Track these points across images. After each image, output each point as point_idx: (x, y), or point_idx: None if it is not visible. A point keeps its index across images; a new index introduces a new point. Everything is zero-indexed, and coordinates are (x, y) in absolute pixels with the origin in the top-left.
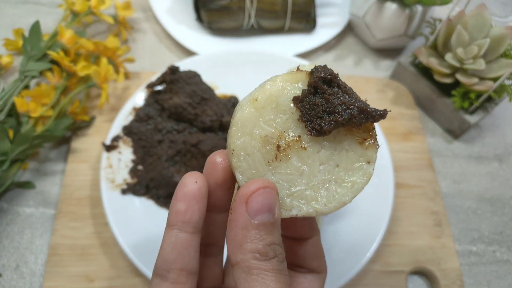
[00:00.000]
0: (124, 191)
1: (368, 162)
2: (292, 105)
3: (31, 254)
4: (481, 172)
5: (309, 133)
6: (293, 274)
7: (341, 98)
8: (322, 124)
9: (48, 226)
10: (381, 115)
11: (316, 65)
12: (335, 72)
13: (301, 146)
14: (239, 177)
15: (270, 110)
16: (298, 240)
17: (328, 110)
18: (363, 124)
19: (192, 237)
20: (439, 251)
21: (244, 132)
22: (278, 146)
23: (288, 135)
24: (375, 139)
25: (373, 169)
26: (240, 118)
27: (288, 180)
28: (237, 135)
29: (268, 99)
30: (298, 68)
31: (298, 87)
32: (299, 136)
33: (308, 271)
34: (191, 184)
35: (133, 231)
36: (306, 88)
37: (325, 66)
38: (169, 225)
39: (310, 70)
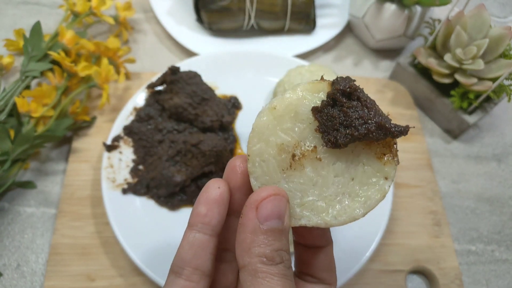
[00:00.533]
0: (124, 191)
1: (386, 178)
2: (311, 115)
3: (32, 254)
4: (479, 172)
5: (324, 144)
6: (302, 284)
7: (359, 112)
8: (338, 137)
9: (49, 225)
10: (401, 131)
11: (339, 76)
12: (357, 84)
13: (316, 157)
14: (253, 182)
15: (288, 118)
16: (311, 248)
17: (345, 123)
18: (381, 139)
19: (210, 239)
20: (438, 250)
21: (260, 138)
22: (294, 155)
23: (304, 144)
24: (395, 155)
25: (389, 186)
26: (257, 125)
27: (301, 190)
28: (253, 141)
29: (286, 107)
30: (322, 78)
31: (319, 97)
32: (315, 147)
33: (317, 282)
34: (213, 190)
35: (134, 231)
36: (326, 98)
37: (347, 77)
38: (189, 225)
39: (332, 80)
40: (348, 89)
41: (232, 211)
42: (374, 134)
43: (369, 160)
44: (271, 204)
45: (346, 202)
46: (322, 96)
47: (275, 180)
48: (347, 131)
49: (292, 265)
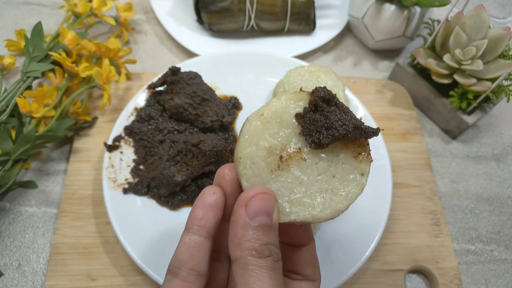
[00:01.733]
0: (125, 191)
1: (362, 174)
2: (294, 120)
3: (33, 253)
4: (479, 172)
5: (308, 146)
6: (288, 282)
7: (338, 115)
8: (321, 138)
9: (50, 225)
10: (374, 132)
11: (317, 86)
12: (333, 93)
13: (301, 158)
14: (244, 183)
15: (274, 124)
16: (294, 247)
17: (326, 126)
18: (358, 139)
19: (205, 241)
20: (437, 250)
21: (251, 142)
22: (281, 157)
23: (290, 147)
24: (369, 154)
25: (366, 180)
26: (248, 130)
27: (289, 188)
28: (244, 145)
29: (273, 114)
30: (301, 89)
31: (300, 105)
32: (299, 148)
33: (302, 278)
34: (209, 195)
35: (135, 230)
36: (307, 106)
37: (324, 87)
38: (186, 228)
39: (311, 90)
40: (327, 96)
41: (223, 216)
42: (351, 134)
43: (347, 159)
44: (259, 201)
45: (330, 197)
46: (303, 104)
47: (264, 181)
48: (329, 132)
49: None
